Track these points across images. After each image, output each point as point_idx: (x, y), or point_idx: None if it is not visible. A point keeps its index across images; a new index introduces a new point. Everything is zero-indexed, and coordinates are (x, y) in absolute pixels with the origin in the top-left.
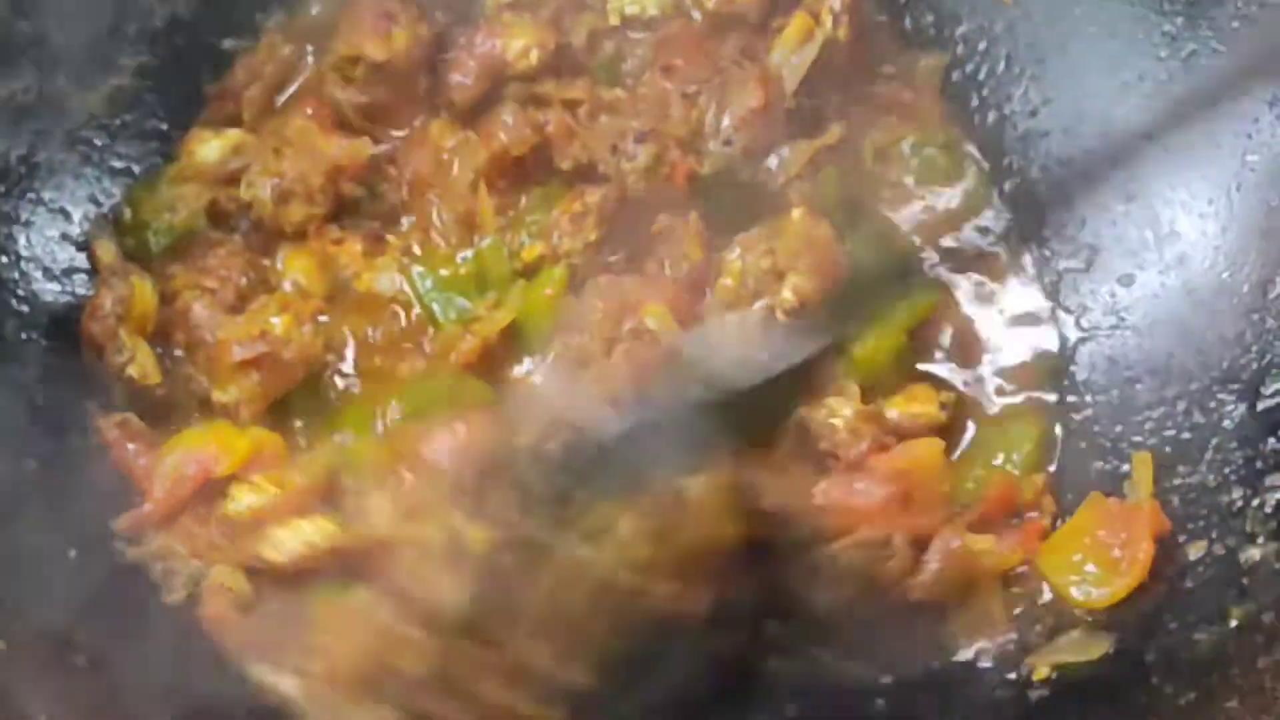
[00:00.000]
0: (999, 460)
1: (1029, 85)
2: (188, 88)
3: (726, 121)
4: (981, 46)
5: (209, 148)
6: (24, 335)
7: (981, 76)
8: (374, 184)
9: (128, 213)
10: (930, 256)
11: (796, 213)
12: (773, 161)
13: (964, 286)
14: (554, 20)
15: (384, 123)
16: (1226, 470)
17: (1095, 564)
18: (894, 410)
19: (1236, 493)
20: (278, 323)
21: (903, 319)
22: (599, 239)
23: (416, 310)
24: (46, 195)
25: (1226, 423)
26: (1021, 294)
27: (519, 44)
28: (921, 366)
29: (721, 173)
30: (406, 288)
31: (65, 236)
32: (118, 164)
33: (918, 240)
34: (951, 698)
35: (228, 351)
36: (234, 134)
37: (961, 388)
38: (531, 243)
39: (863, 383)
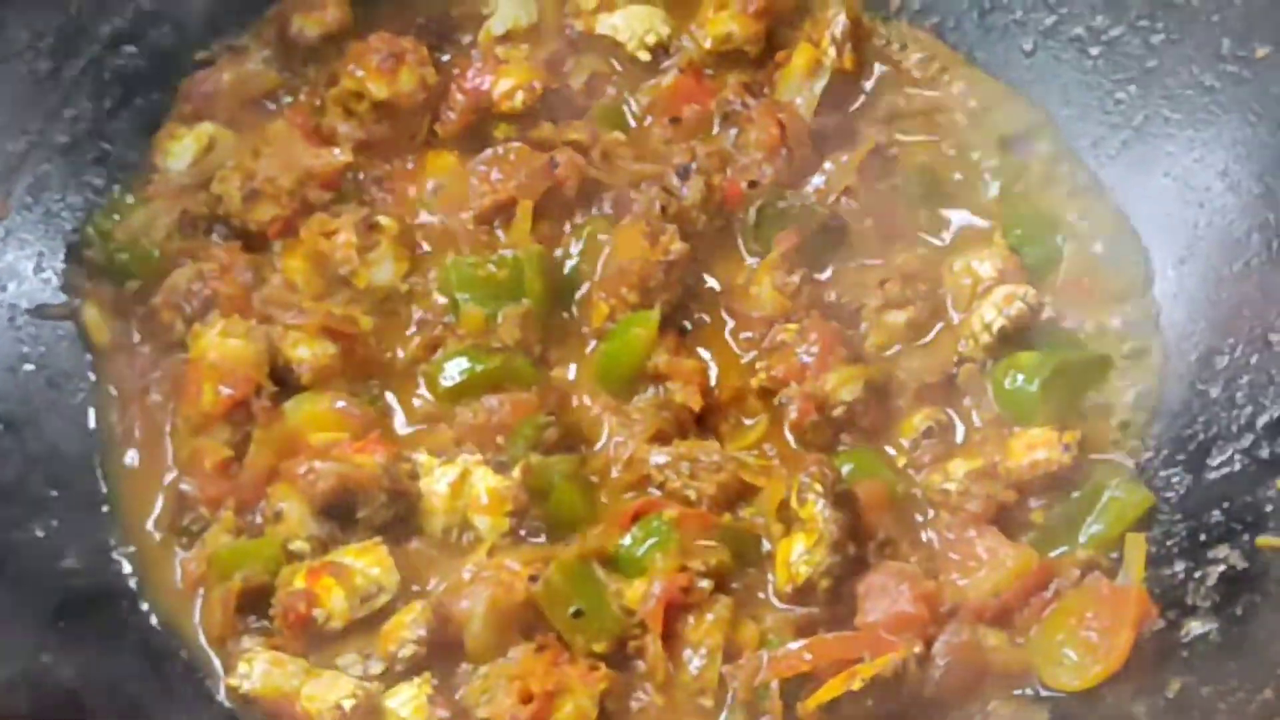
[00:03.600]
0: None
1: None
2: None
3: (749, 160)
4: None
5: (182, 146)
6: None
7: None
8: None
9: (97, 247)
10: None
11: None
12: (816, 181)
13: None
14: (552, 62)
15: (380, 155)
16: (1169, 543)
17: (1074, 649)
18: (1013, 460)
19: (1179, 565)
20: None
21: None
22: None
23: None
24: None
25: (1171, 494)
26: None
27: (507, 84)
28: None
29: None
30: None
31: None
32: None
33: None
34: None
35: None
36: (208, 127)
37: None
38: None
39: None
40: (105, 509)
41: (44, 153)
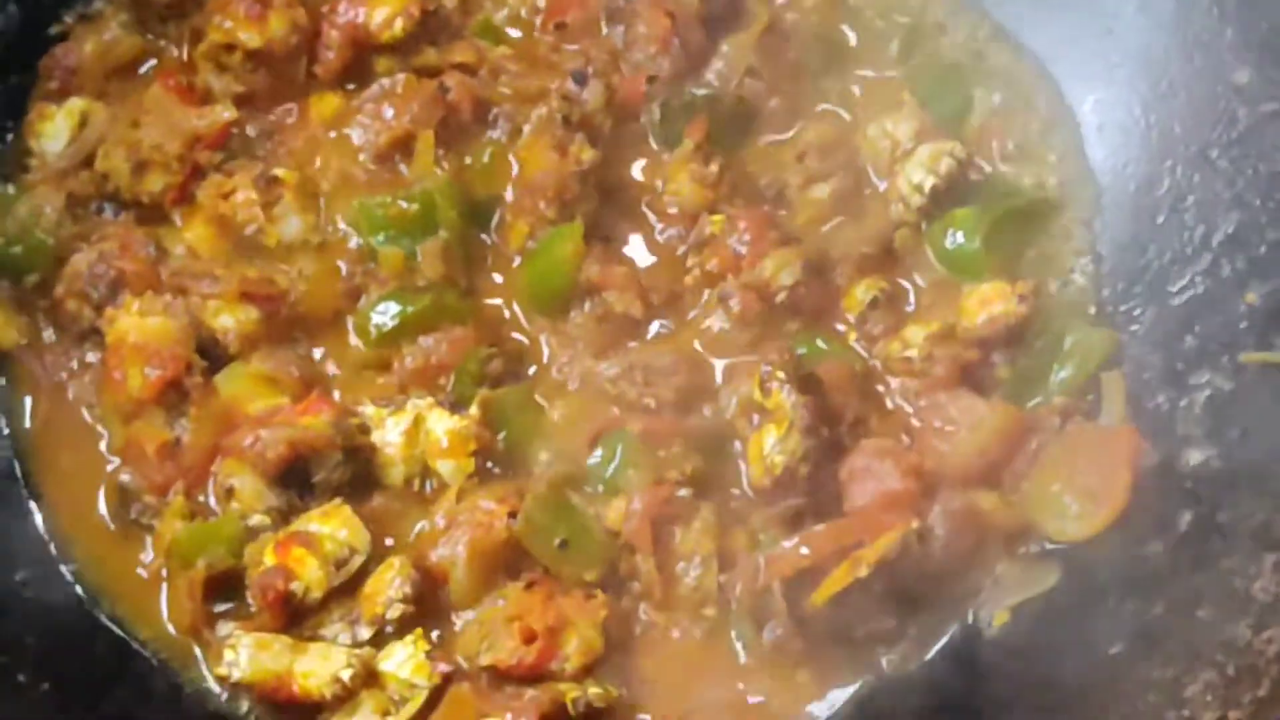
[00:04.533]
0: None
1: None
2: None
3: (643, 55)
4: None
5: (55, 127)
6: None
7: None
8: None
9: None
10: None
11: None
12: (716, 65)
13: None
14: None
15: (261, 107)
16: (1145, 376)
17: (1072, 497)
18: (968, 319)
19: (1161, 396)
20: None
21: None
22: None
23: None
24: None
25: (1136, 327)
26: None
27: (382, 12)
28: None
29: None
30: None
31: None
32: None
33: None
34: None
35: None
36: (78, 103)
37: None
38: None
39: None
40: (39, 515)
41: None
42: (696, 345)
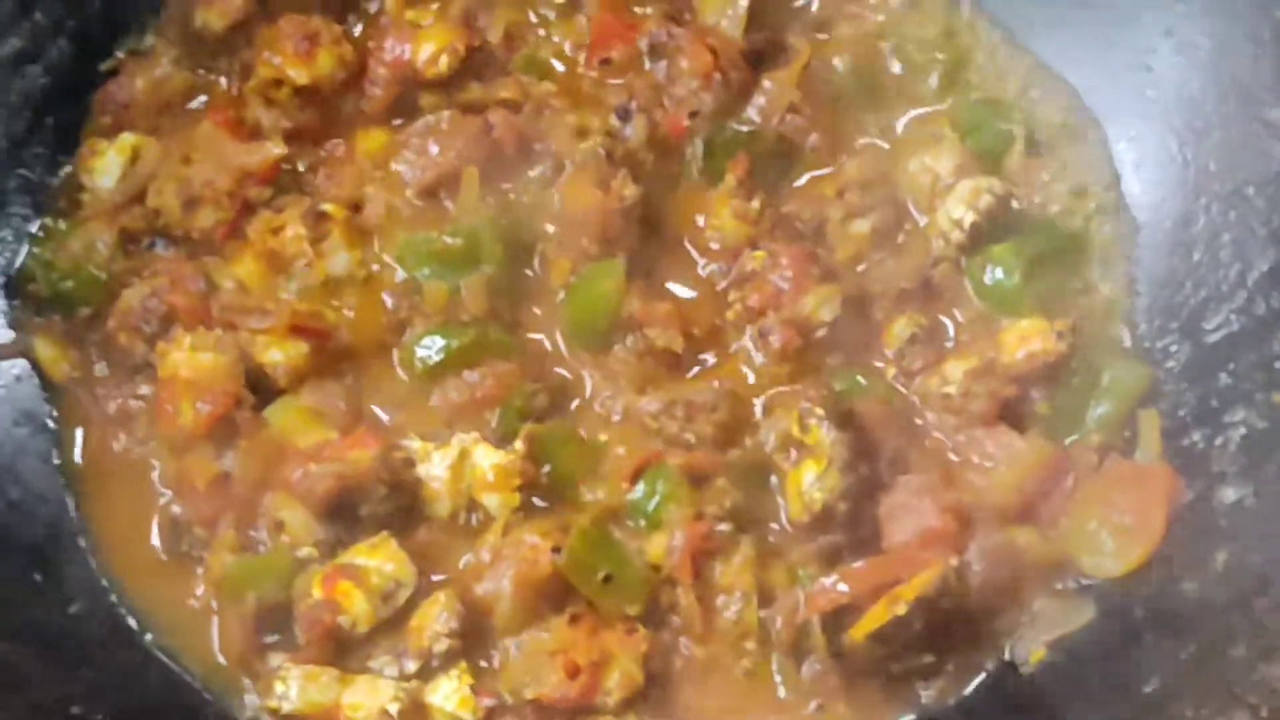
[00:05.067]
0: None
1: None
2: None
3: (685, 91)
4: None
5: (107, 162)
6: None
7: None
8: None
9: (40, 279)
10: None
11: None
12: (758, 101)
13: None
14: (464, 18)
15: (309, 142)
16: (1181, 413)
17: (1108, 534)
18: (1006, 355)
19: (1196, 434)
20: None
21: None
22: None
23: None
24: None
25: (1171, 364)
26: None
27: (428, 49)
28: None
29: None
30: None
31: None
32: None
33: None
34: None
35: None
36: (130, 138)
37: None
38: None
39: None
40: (91, 547)
41: None
42: (736, 381)
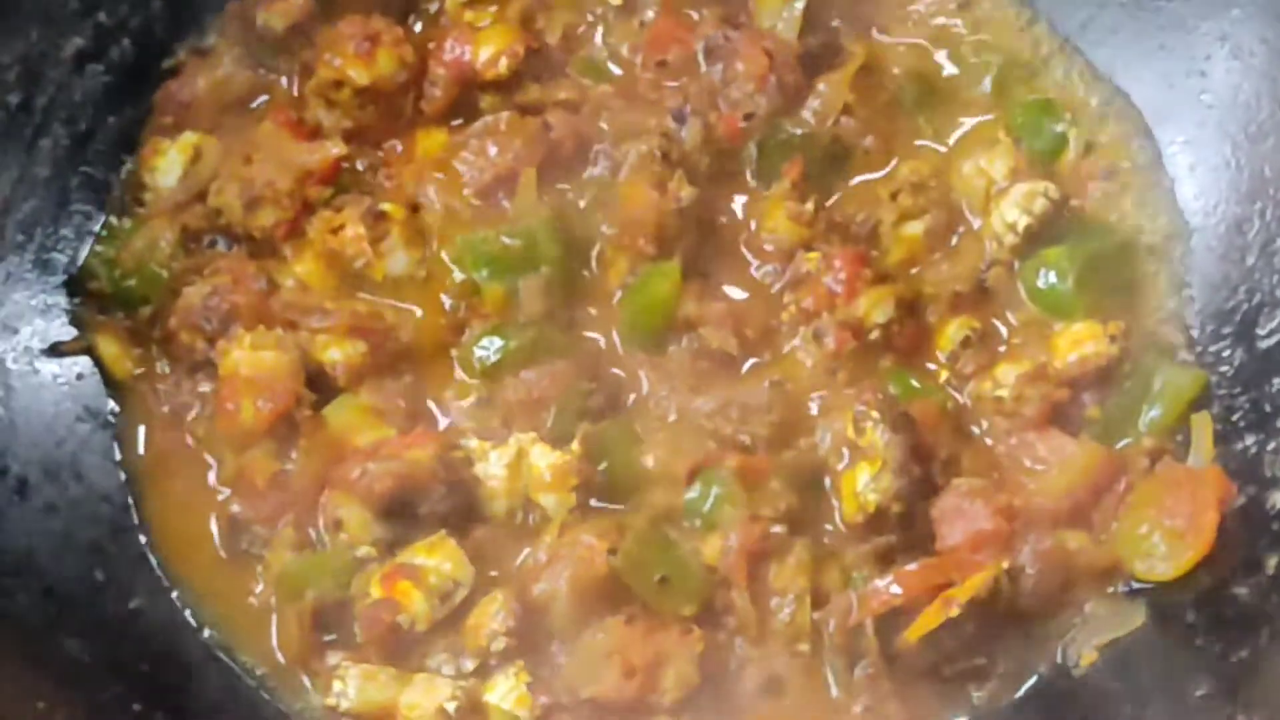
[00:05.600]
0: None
1: None
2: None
3: (740, 94)
4: None
5: (168, 161)
6: None
7: None
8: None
9: (103, 277)
10: None
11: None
12: (812, 104)
13: None
14: (523, 20)
15: (369, 142)
16: (1234, 418)
17: (1160, 537)
18: (1059, 359)
19: (1250, 439)
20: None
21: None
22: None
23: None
24: None
25: (1225, 369)
26: None
27: (488, 51)
28: None
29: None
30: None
31: None
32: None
33: None
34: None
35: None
36: (192, 137)
37: None
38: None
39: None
40: (151, 543)
41: (27, 189)
42: (790, 382)
